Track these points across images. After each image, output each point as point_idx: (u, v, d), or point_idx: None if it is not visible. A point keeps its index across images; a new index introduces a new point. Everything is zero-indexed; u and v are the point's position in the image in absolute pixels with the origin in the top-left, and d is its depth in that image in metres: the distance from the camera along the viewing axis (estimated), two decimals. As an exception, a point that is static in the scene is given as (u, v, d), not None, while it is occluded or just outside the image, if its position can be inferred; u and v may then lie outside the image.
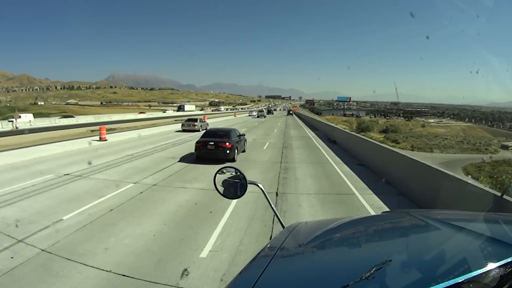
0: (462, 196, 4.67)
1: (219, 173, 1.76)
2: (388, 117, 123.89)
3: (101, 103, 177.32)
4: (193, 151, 10.77)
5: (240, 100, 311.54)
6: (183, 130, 21.56)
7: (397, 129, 68.92)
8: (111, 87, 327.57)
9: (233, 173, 1.73)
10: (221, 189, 1.72)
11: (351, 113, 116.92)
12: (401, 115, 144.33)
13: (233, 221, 5.17)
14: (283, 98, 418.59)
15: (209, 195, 6.37)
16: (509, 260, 0.69)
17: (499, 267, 0.68)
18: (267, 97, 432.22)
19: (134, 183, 7.49)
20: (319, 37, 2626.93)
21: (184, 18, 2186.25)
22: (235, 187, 1.70)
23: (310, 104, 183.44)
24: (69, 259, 3.82)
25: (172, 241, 4.40)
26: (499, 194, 4.05)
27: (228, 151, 10.08)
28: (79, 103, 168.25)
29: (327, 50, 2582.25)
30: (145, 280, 3.40)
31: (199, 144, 10.30)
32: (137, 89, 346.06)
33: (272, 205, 1.59)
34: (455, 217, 1.41)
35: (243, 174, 1.68)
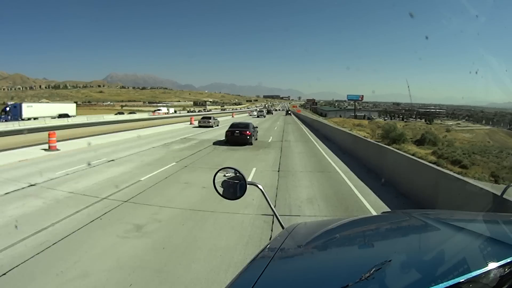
0: (462, 196, 4.81)
1: (218, 174, 1.74)
2: (406, 120, 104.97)
3: (75, 102, 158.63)
4: None
5: (236, 100, 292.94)
6: (199, 126, 25.61)
7: (436, 139, 50.37)
8: (99, 86, 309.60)
9: (232, 174, 1.70)
10: (220, 190, 1.71)
11: (363, 114, 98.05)
12: (416, 117, 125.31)
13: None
14: (282, 98, 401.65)
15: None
16: (508, 260, 0.69)
17: (499, 267, 0.68)
18: (265, 97, 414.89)
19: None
20: (318, 38, 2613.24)
21: (184, 19, 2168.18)
22: (234, 188, 1.68)
23: (311, 104, 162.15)
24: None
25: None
26: (499, 193, 4.01)
27: (248, 137, 14.59)
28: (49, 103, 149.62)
29: (326, 50, 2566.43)
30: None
31: (229, 132, 14.94)
32: (128, 88, 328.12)
33: (272, 206, 1.59)
34: (455, 217, 1.40)
35: (242, 175, 1.67)
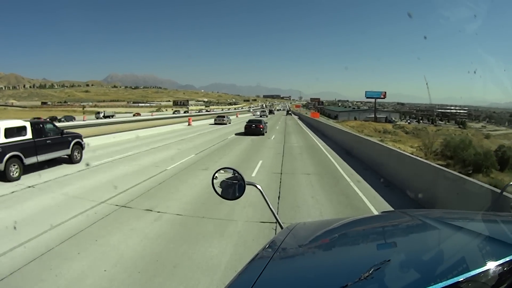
0: (461, 194, 4.66)
1: (217, 174, 1.71)
2: (435, 123, 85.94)
3: (42, 103, 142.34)
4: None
5: (233, 100, 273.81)
6: (215, 124, 29.89)
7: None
8: (87, 85, 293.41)
9: (231, 174, 1.68)
10: (219, 190, 1.69)
11: (384, 116, 79.29)
12: (443, 119, 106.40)
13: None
14: (282, 98, 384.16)
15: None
16: (507, 259, 0.69)
17: (498, 266, 0.68)
18: (265, 96, 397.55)
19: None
20: (318, 39, 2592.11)
21: (185, 20, 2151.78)
22: (233, 188, 1.67)
23: (316, 104, 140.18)
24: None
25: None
26: (498, 191, 4.02)
27: (261, 129, 20.05)
28: (14, 103, 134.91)
29: (326, 51, 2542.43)
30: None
31: (247, 126, 20.29)
32: (120, 87, 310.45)
33: (271, 206, 1.58)
34: (454, 217, 1.40)
35: (241, 175, 1.65)
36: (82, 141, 9.84)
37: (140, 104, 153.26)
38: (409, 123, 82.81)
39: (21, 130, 7.73)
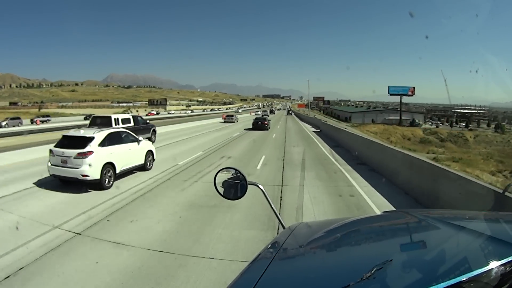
0: (463, 194, 4.67)
1: (219, 174, 1.71)
2: (470, 128, 71.00)
3: (10, 103, 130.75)
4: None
5: (230, 99, 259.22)
6: (225, 122, 34.39)
7: None
8: (77, 84, 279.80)
9: (234, 174, 1.68)
10: (221, 189, 1.69)
11: (408, 119, 64.59)
12: (471, 122, 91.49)
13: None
14: (283, 98, 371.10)
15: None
16: (510, 259, 0.69)
17: (500, 266, 0.68)
18: (264, 96, 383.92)
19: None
20: (319, 39, 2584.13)
21: (186, 21, 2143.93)
22: (235, 188, 1.66)
23: (319, 103, 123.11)
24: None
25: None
26: (500, 191, 4.05)
27: (266, 125, 25.00)
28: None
29: (327, 51, 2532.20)
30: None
31: (254, 122, 25.54)
32: (112, 87, 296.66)
33: (273, 206, 1.58)
34: (456, 217, 1.39)
35: (243, 175, 1.65)
36: (155, 128, 15.43)
37: (121, 104, 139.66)
38: (436, 126, 68.23)
39: (128, 120, 12.95)
